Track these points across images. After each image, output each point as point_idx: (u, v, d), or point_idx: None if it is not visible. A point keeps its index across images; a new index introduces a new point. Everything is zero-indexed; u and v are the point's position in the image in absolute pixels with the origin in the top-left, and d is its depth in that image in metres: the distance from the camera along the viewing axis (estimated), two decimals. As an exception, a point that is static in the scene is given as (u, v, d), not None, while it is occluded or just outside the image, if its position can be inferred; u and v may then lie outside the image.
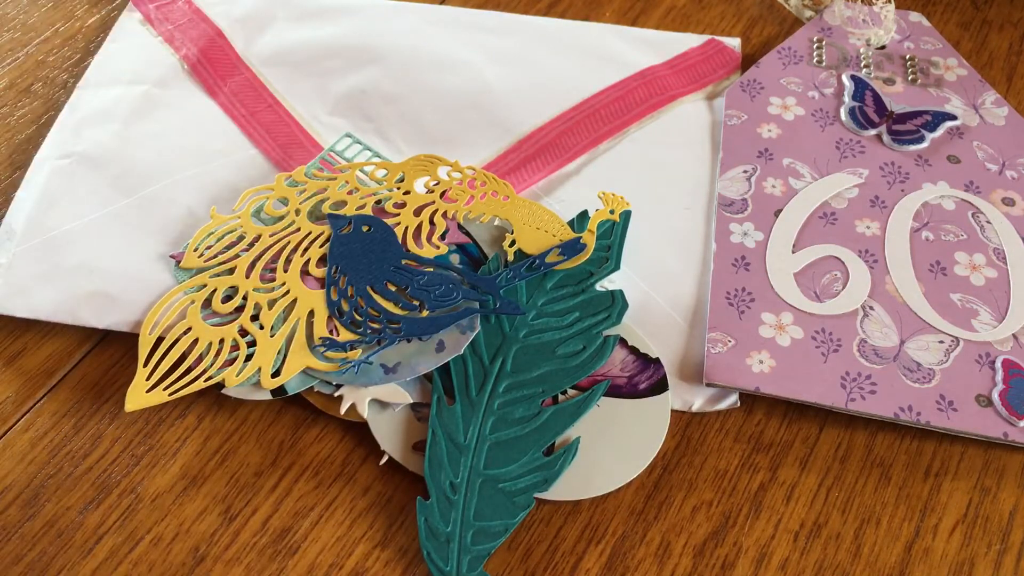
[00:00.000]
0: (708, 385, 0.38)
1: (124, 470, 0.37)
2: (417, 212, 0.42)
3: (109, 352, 0.40)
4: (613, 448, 0.37)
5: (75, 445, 0.38)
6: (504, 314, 0.39)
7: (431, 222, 0.41)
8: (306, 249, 0.40)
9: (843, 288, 0.41)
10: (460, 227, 0.42)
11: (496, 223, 0.42)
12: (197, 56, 0.50)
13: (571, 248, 0.41)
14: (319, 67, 0.50)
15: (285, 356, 0.38)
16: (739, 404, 0.39)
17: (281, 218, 0.42)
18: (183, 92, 0.49)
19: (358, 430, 0.38)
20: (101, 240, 0.42)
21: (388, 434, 0.37)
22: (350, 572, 0.35)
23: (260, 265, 0.40)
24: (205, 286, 0.39)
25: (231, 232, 0.41)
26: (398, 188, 0.43)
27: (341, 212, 0.41)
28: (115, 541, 0.35)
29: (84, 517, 0.36)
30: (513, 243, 0.41)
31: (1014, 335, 0.39)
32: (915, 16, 0.52)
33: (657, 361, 0.39)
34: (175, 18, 0.52)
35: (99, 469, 0.37)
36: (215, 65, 0.50)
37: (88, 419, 0.38)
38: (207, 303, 0.39)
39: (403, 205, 0.42)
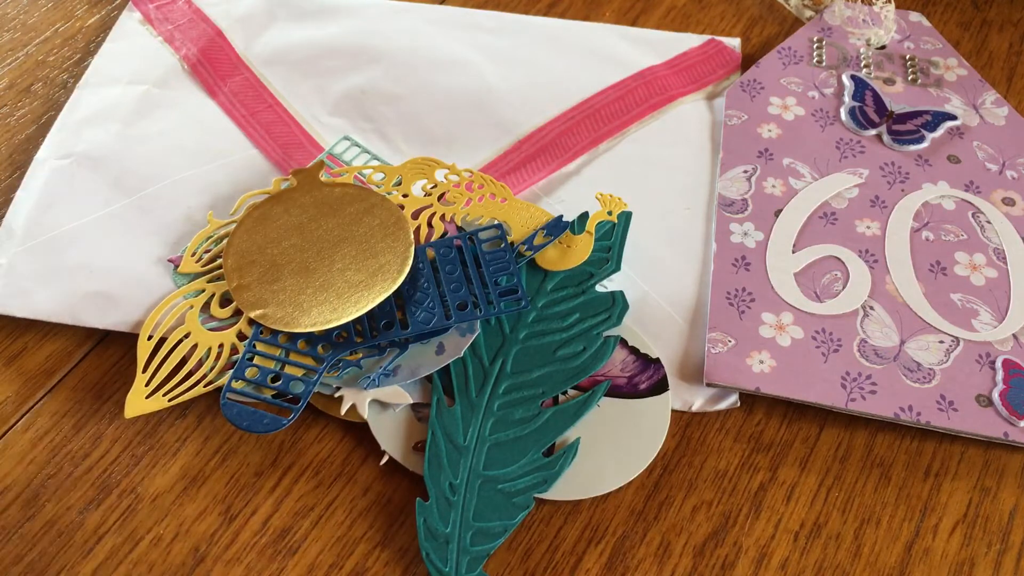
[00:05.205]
0: (708, 385, 0.38)
1: (124, 470, 0.37)
2: (415, 215, 0.42)
3: (109, 352, 0.40)
4: (613, 448, 0.37)
5: (75, 445, 0.38)
6: (508, 313, 0.39)
7: (429, 225, 0.41)
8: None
9: (843, 288, 0.41)
10: (458, 229, 0.42)
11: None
12: (197, 56, 0.50)
13: (555, 227, 0.41)
14: (319, 67, 0.50)
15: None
16: (739, 404, 0.39)
17: (281, 218, 0.42)
18: (183, 92, 0.49)
19: (358, 430, 0.38)
20: (101, 240, 0.42)
21: (388, 434, 0.37)
22: (350, 572, 0.35)
23: (260, 265, 0.40)
24: (203, 291, 0.39)
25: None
26: (396, 191, 0.43)
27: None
28: (115, 541, 0.35)
29: (84, 517, 0.36)
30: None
31: (1014, 335, 0.39)
32: (915, 16, 0.52)
33: (657, 361, 0.39)
34: (175, 18, 0.52)
35: (99, 469, 0.37)
36: (215, 65, 0.50)
37: (88, 419, 0.38)
38: (206, 307, 0.39)
39: (401, 208, 0.42)
